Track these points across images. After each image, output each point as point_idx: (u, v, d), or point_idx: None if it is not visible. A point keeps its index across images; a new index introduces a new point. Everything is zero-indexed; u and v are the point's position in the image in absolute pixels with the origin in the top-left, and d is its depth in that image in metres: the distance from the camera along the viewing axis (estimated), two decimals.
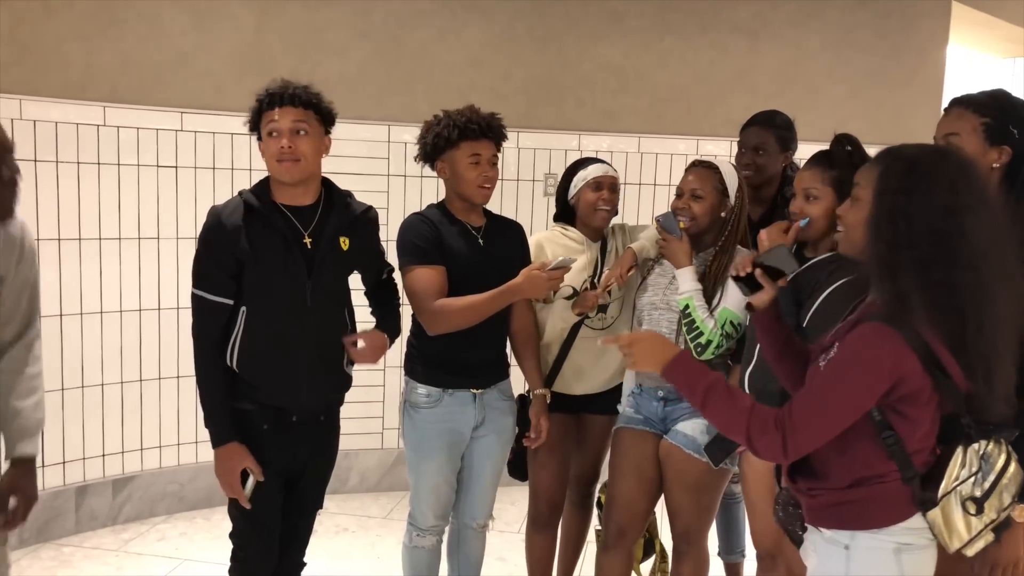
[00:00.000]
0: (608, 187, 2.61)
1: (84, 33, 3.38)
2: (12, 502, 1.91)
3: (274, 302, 2.13)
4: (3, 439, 1.97)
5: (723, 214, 2.41)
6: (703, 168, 2.43)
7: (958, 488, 1.57)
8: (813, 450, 1.62)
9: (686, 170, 2.47)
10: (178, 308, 3.61)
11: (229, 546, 2.28)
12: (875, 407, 1.57)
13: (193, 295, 2.15)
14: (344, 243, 2.21)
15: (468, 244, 2.41)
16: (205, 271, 2.13)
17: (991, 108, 1.91)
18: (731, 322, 2.32)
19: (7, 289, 1.91)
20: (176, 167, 3.62)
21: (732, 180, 2.42)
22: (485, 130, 2.38)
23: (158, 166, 3.58)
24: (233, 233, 2.08)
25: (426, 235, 2.37)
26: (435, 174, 2.47)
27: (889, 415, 1.57)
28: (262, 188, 2.18)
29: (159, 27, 3.53)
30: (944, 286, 1.52)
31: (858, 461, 1.62)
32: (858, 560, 1.63)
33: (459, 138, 2.36)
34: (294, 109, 2.11)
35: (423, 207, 2.55)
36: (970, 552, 1.61)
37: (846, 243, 1.70)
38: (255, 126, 2.16)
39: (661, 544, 2.71)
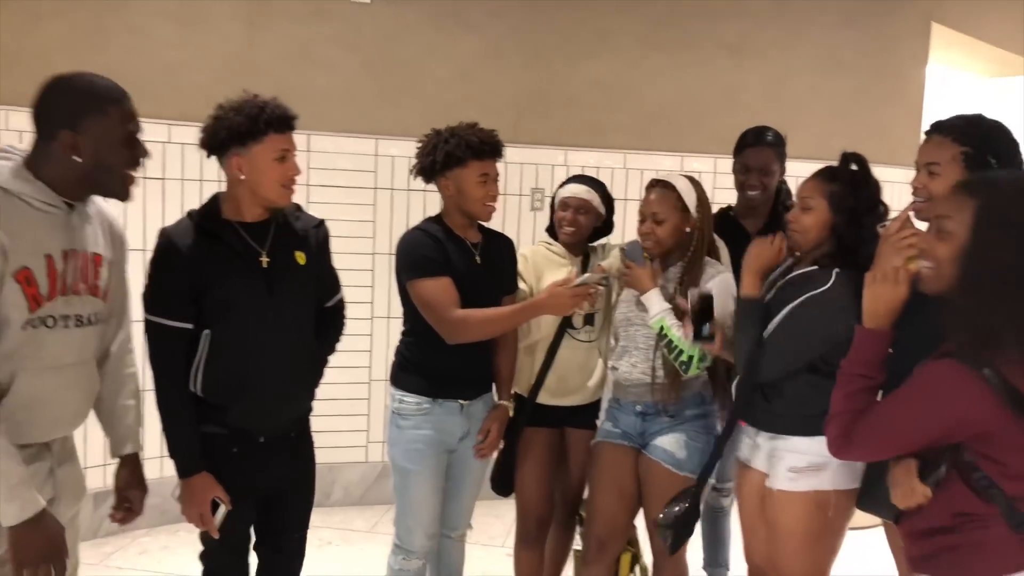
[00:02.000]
0: (574, 208, 2.61)
1: (71, 44, 3.38)
2: (131, 496, 2.04)
3: (237, 324, 2.06)
4: (110, 438, 2.05)
5: (688, 229, 2.42)
6: (660, 188, 2.42)
7: None
8: (864, 460, 1.68)
9: (647, 189, 2.46)
10: None
11: None
12: (962, 446, 1.53)
13: (149, 322, 2.04)
14: (300, 258, 2.15)
15: (466, 261, 2.43)
16: (162, 296, 2.03)
17: (970, 137, 1.93)
18: None
19: (115, 277, 1.92)
20: (163, 179, 3.62)
21: (690, 195, 2.41)
22: (493, 150, 2.41)
23: (145, 178, 3.57)
24: (188, 255, 2.00)
25: (433, 247, 2.38)
26: (422, 188, 2.49)
27: (974, 455, 1.53)
28: (211, 207, 2.10)
29: (147, 39, 3.53)
30: None
31: (956, 499, 1.57)
32: None
33: (470, 157, 2.36)
34: (292, 134, 2.09)
35: (410, 221, 2.56)
36: None
37: (934, 280, 1.58)
38: (239, 139, 2.02)
39: (644, 564, 2.70)
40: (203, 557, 2.22)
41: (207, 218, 2.08)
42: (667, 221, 2.40)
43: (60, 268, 1.74)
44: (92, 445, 3.54)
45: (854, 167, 2.15)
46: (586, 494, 2.72)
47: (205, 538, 2.18)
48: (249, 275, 2.06)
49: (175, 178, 3.64)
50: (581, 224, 2.63)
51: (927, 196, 1.97)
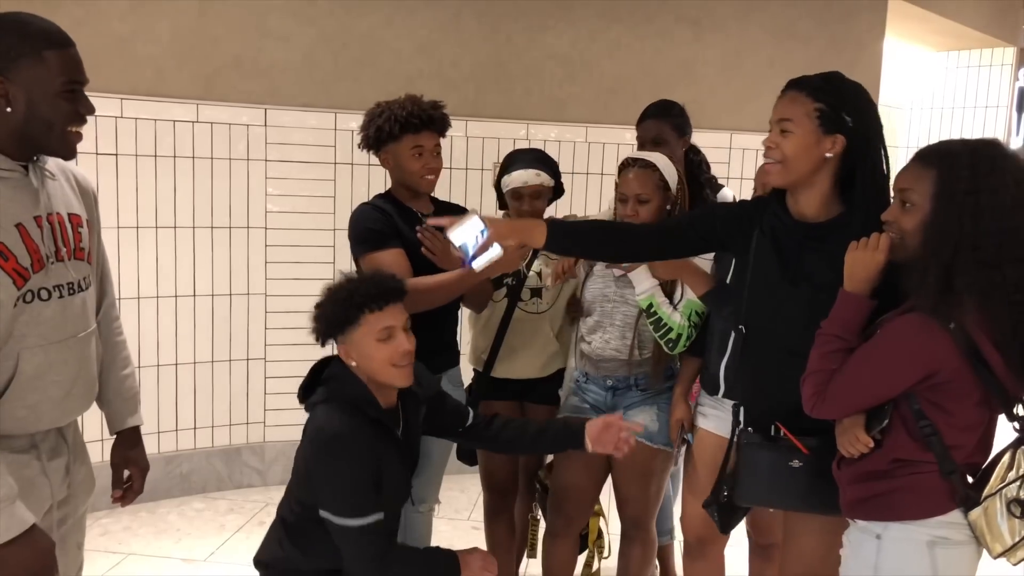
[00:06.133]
0: (529, 196, 2.53)
1: None
2: (126, 474, 1.95)
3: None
4: (107, 412, 1.95)
5: (668, 207, 2.40)
6: (642, 168, 2.35)
7: (1004, 490, 1.55)
8: (838, 416, 1.70)
9: (622, 168, 2.40)
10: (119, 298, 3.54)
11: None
12: (913, 396, 1.59)
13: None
14: None
15: None
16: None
17: (826, 93, 1.84)
18: (696, 312, 2.32)
19: (95, 237, 1.81)
20: (116, 155, 3.53)
21: (671, 174, 2.39)
22: (426, 122, 2.37)
23: (97, 154, 3.49)
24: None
25: (382, 220, 2.37)
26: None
27: (924, 405, 1.59)
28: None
29: (96, 10, 3.43)
30: (1003, 283, 1.53)
31: (896, 446, 1.64)
32: (889, 551, 1.63)
33: (400, 131, 2.35)
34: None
35: (370, 196, 2.54)
36: (1013, 560, 1.58)
37: (900, 249, 1.65)
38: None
39: (599, 527, 2.74)
40: None
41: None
42: (651, 201, 2.33)
43: (37, 236, 1.60)
44: None
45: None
46: (547, 461, 2.74)
47: None
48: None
49: (128, 154, 3.56)
50: (539, 208, 2.57)
51: (780, 158, 1.86)
